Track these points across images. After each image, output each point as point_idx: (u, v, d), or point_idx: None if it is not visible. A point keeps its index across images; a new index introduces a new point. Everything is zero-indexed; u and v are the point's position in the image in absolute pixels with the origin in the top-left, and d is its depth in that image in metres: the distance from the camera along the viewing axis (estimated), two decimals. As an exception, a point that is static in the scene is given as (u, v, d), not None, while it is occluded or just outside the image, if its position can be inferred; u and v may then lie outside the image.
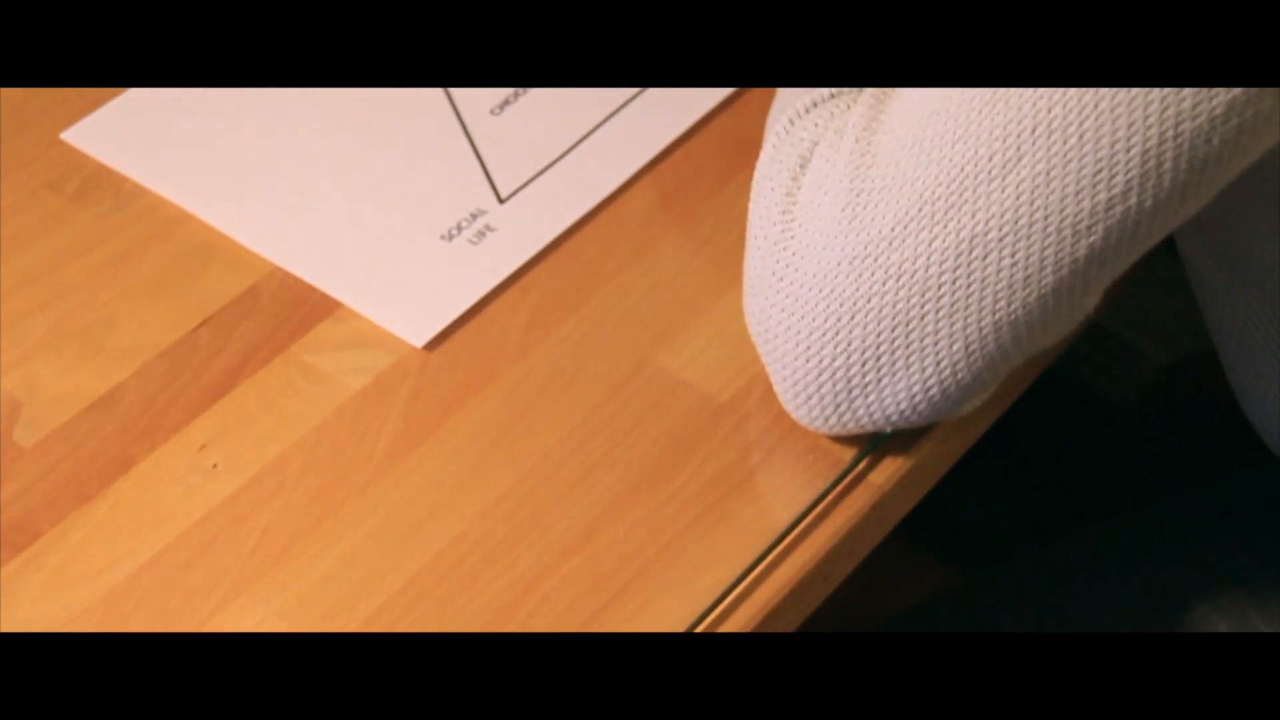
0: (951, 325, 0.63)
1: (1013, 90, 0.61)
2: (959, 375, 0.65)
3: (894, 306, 0.64)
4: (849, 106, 0.67)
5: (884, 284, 0.63)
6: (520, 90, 0.86)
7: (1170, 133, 0.59)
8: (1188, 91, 0.59)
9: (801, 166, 0.66)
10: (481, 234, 0.80)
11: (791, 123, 0.68)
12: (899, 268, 0.63)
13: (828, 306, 0.65)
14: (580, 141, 0.83)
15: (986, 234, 0.62)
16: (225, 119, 0.85)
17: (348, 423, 0.73)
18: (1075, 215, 0.61)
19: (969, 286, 0.63)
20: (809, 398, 0.67)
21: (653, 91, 0.85)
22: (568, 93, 0.86)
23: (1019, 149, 0.61)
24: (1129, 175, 0.60)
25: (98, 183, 0.83)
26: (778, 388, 0.68)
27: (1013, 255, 0.62)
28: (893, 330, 0.64)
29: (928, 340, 0.64)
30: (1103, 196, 0.61)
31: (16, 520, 0.70)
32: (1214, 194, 0.62)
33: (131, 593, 0.67)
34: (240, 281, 0.79)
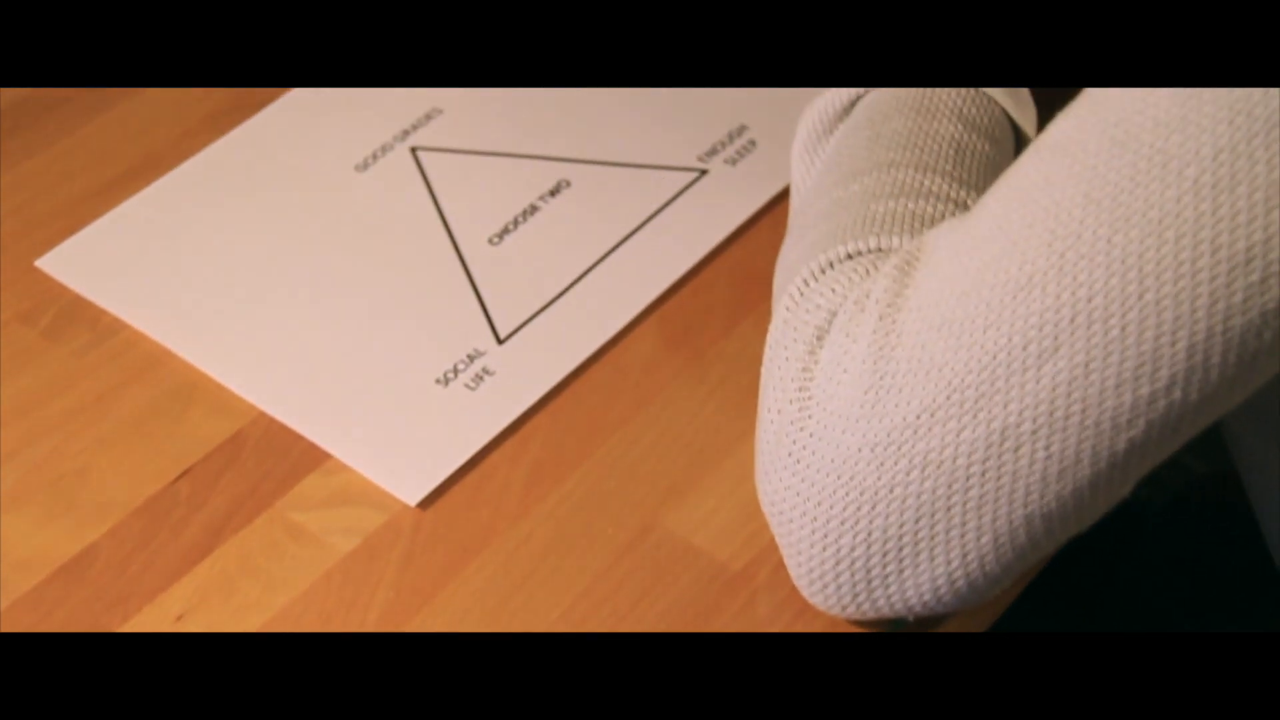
0: (980, 518, 0.59)
1: (1050, 275, 0.57)
2: (986, 567, 0.61)
3: (918, 497, 0.59)
4: (868, 272, 0.63)
5: (908, 474, 0.59)
6: (520, 217, 0.82)
7: (1219, 327, 0.55)
8: (1238, 285, 0.54)
9: (818, 338, 0.62)
10: (479, 378, 0.75)
11: (806, 284, 0.64)
12: (924, 457, 0.59)
13: (847, 494, 0.60)
14: (584, 275, 0.79)
15: (1019, 426, 0.58)
16: (209, 248, 0.81)
17: (335, 589, 0.69)
18: (1115, 409, 0.57)
19: (999, 479, 0.58)
20: (825, 584, 0.63)
21: (660, 221, 0.81)
22: (569, 221, 0.82)
23: (1056, 339, 0.57)
24: (1174, 370, 0.56)
25: (73, 315, 0.79)
26: (792, 571, 0.64)
27: (1047, 449, 0.58)
28: (916, 521, 0.60)
29: (954, 532, 0.60)
30: (1145, 391, 0.56)
31: (-20, 698, 0.65)
32: (1263, 383, 0.58)
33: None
34: (223, 428, 0.74)
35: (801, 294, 0.64)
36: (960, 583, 0.61)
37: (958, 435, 0.58)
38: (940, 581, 0.61)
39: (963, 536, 0.60)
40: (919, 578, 0.61)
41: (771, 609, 0.67)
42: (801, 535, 0.62)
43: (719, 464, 0.72)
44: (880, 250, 0.64)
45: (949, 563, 0.60)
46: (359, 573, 0.69)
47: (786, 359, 0.63)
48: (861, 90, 0.73)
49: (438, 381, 0.75)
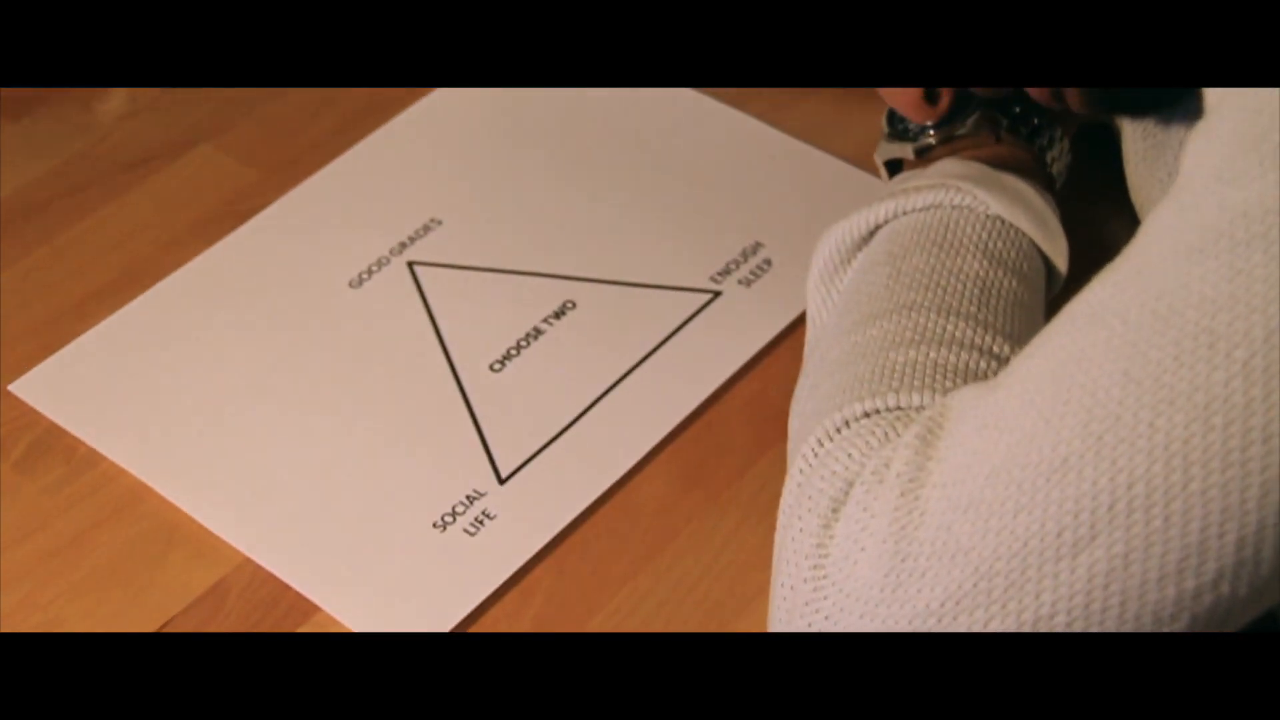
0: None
1: (1087, 458, 0.52)
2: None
3: (950, 690, 0.55)
4: (886, 435, 0.58)
5: (937, 664, 0.55)
6: (523, 341, 0.77)
7: (1271, 519, 0.51)
8: None
9: (834, 510, 0.58)
10: (479, 522, 0.71)
11: (821, 444, 0.60)
12: (954, 650, 0.54)
13: (873, 683, 0.56)
14: (590, 408, 0.75)
15: (1052, 618, 0.53)
16: (192, 373, 0.77)
17: (324, 760, 0.64)
18: (1157, 603, 0.52)
19: (1037, 673, 0.54)
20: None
21: (670, 347, 0.77)
22: (575, 346, 0.77)
23: (1093, 527, 0.52)
24: (1221, 563, 0.51)
25: (48, 446, 0.75)
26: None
27: (1083, 641, 0.53)
28: (948, 716, 0.55)
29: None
30: (1190, 585, 0.52)
31: None
32: None
33: None
34: (205, 575, 0.70)
35: (816, 456, 0.60)
36: None
37: (984, 625, 0.54)
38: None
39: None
40: None
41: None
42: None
43: (731, 623, 0.68)
44: (900, 409, 0.60)
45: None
46: (349, 741, 0.64)
47: (800, 530, 0.59)
48: (879, 218, 0.69)
49: (435, 526, 0.71)
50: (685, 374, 0.76)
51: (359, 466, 0.73)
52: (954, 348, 0.62)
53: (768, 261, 0.81)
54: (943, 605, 0.54)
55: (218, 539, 0.71)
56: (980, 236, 0.68)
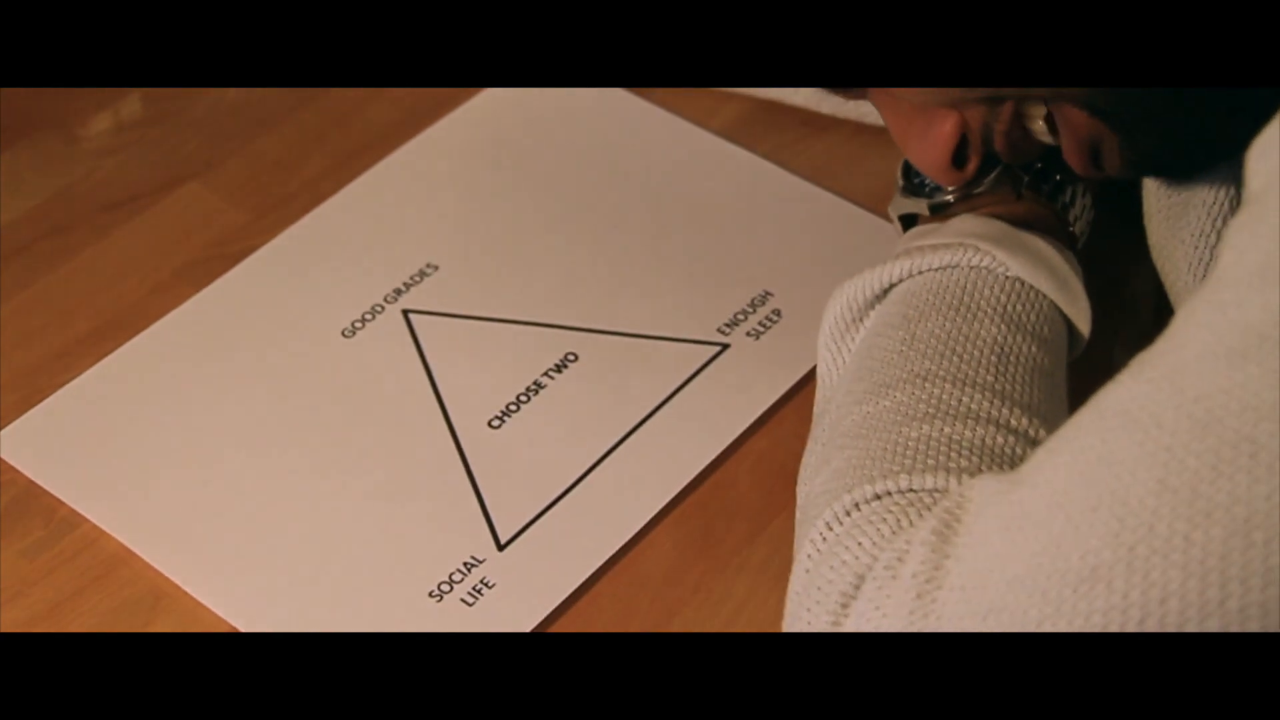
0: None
1: (1117, 570, 0.49)
2: None
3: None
4: (899, 523, 0.55)
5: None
6: (523, 395, 0.74)
7: None
8: None
9: (844, 605, 0.55)
10: (478, 591, 0.68)
11: (830, 528, 0.57)
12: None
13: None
14: (593, 468, 0.72)
15: None
16: (177, 429, 0.74)
17: None
18: None
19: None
20: None
21: (676, 404, 0.74)
22: (577, 402, 0.74)
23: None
24: None
25: (26, 506, 0.71)
26: None
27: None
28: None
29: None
30: None
31: None
32: None
33: None
34: (190, 647, 0.67)
35: (825, 541, 0.57)
36: None
37: None
38: None
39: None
40: None
41: None
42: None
43: (745, 700, 0.65)
44: (913, 491, 0.57)
45: None
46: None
47: (808, 625, 0.56)
48: (894, 277, 0.66)
49: (431, 595, 0.68)
50: (692, 432, 0.73)
51: (352, 531, 0.70)
52: (969, 422, 0.59)
53: (777, 312, 0.77)
54: None
55: (203, 607, 0.68)
56: (999, 299, 0.65)
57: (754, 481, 0.72)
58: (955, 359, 0.62)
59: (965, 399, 0.60)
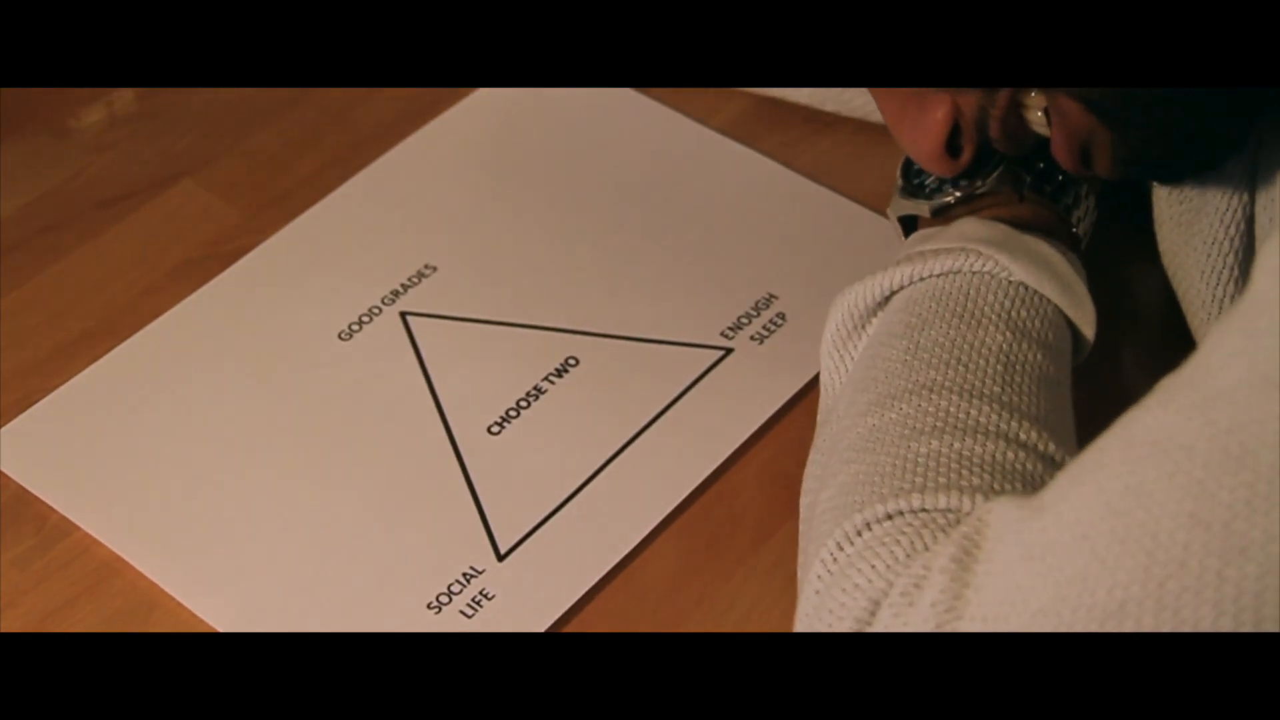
0: None
1: (1146, 605, 0.47)
2: None
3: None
4: (913, 545, 0.54)
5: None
6: (523, 401, 0.73)
7: None
8: None
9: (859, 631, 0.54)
10: (477, 603, 0.66)
11: (840, 548, 0.55)
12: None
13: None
14: (595, 475, 0.70)
15: None
16: (171, 434, 0.72)
17: None
18: None
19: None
20: None
21: (679, 410, 0.73)
22: (578, 407, 0.73)
23: None
24: None
25: (17, 514, 0.70)
26: None
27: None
28: None
29: None
30: None
31: None
32: None
33: None
34: (184, 659, 0.65)
35: (836, 562, 0.55)
36: None
37: None
38: None
39: None
40: None
41: None
42: None
43: (750, 715, 0.64)
44: (926, 511, 0.55)
45: None
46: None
47: None
48: (896, 283, 0.65)
49: (430, 607, 0.66)
50: (695, 439, 0.72)
51: (349, 541, 0.68)
52: (979, 437, 0.58)
53: (781, 316, 0.76)
54: None
55: (197, 619, 0.66)
56: (1003, 305, 0.63)
57: (759, 489, 0.71)
58: (961, 369, 0.61)
59: (973, 411, 0.59)
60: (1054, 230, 0.68)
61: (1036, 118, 0.63)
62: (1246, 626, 0.46)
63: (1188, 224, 0.67)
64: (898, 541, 0.54)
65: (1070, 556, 0.49)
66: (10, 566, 0.68)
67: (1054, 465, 0.58)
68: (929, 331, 0.62)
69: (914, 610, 0.52)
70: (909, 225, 0.71)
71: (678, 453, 0.71)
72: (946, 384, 0.60)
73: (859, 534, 0.55)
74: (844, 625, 0.54)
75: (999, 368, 0.61)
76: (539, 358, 0.75)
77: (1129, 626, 0.47)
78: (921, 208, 0.70)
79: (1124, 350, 0.73)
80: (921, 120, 0.64)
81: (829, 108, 0.85)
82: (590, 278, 0.78)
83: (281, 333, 0.76)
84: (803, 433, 0.71)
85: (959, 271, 0.64)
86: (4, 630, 0.66)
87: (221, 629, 0.66)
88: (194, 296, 0.78)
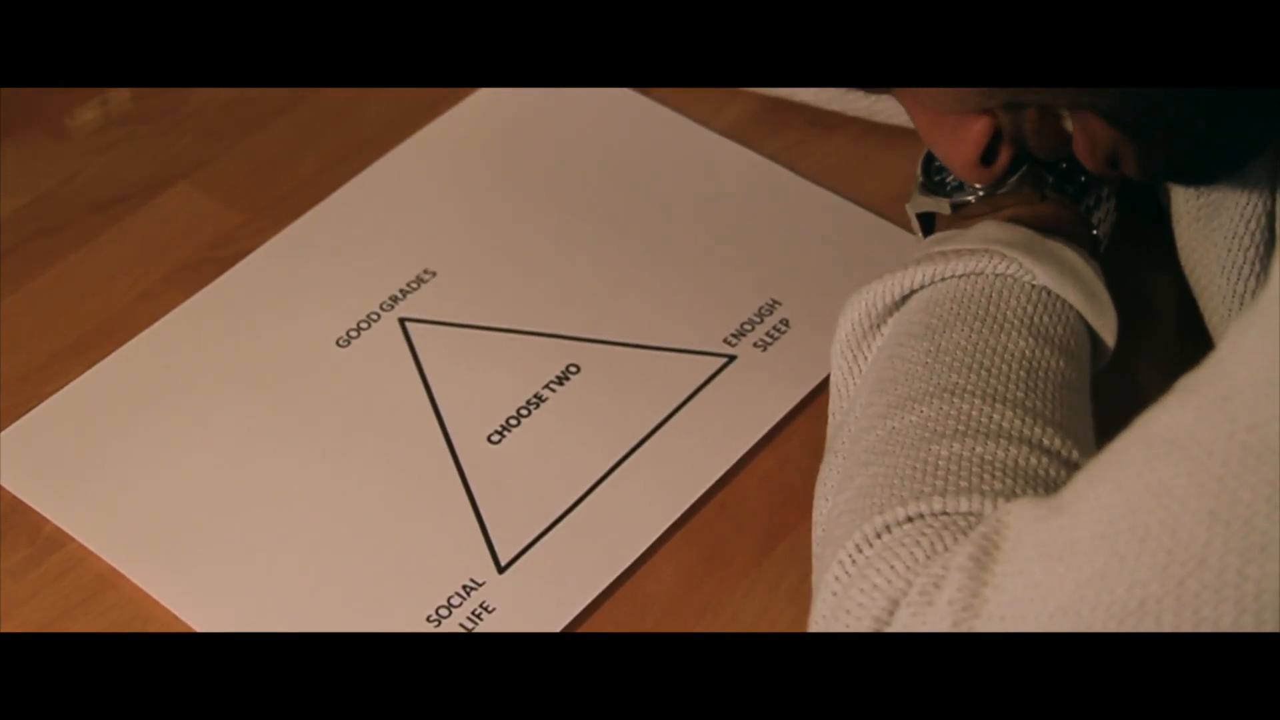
0: None
1: (1166, 604, 0.47)
2: None
3: None
4: (933, 546, 0.53)
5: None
6: (524, 409, 0.72)
7: None
8: None
9: (877, 631, 0.53)
10: (477, 616, 0.66)
11: (859, 550, 0.55)
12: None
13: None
14: (596, 485, 0.69)
15: None
16: (167, 442, 0.71)
17: None
18: None
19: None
20: None
21: (682, 418, 0.72)
22: (579, 415, 0.72)
23: None
24: None
25: (11, 524, 0.69)
26: None
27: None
28: None
29: None
30: None
31: None
32: None
33: None
34: (181, 673, 0.64)
35: (854, 563, 0.55)
36: None
37: None
38: None
39: None
40: None
41: None
42: None
43: (754, 731, 0.63)
44: (946, 514, 0.55)
45: None
46: None
47: None
48: (915, 283, 0.64)
49: (430, 619, 0.65)
50: (698, 448, 0.71)
51: (347, 553, 0.68)
52: (1001, 441, 0.57)
53: (785, 322, 0.75)
54: None
55: (195, 632, 0.66)
56: (1026, 310, 0.62)
57: (763, 499, 0.70)
58: (983, 373, 0.60)
59: (995, 416, 0.58)
60: (1074, 232, 0.67)
61: (1069, 123, 0.62)
62: (1268, 625, 0.45)
63: (1207, 219, 0.66)
64: (918, 543, 0.54)
65: (1089, 555, 0.48)
66: (3, 579, 0.67)
67: (1076, 472, 0.57)
68: (950, 334, 0.61)
69: (932, 609, 0.51)
70: (927, 222, 0.70)
71: (680, 462, 0.70)
72: (969, 388, 0.59)
73: (878, 536, 0.54)
74: (862, 625, 0.53)
75: (1022, 373, 0.60)
76: (539, 365, 0.74)
77: (1148, 625, 0.47)
78: (941, 205, 0.69)
79: (1139, 350, 0.72)
80: (960, 130, 0.63)
81: (834, 107, 0.84)
82: (591, 283, 0.77)
83: (279, 339, 0.75)
84: (808, 441, 0.70)
85: (981, 273, 0.63)
86: (-2, 643, 0.66)
87: (218, 642, 0.65)
88: (190, 301, 0.77)
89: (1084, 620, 0.48)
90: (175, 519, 0.69)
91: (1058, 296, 0.63)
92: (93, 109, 0.86)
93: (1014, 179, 0.67)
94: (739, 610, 0.66)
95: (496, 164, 0.83)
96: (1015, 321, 0.62)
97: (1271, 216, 0.64)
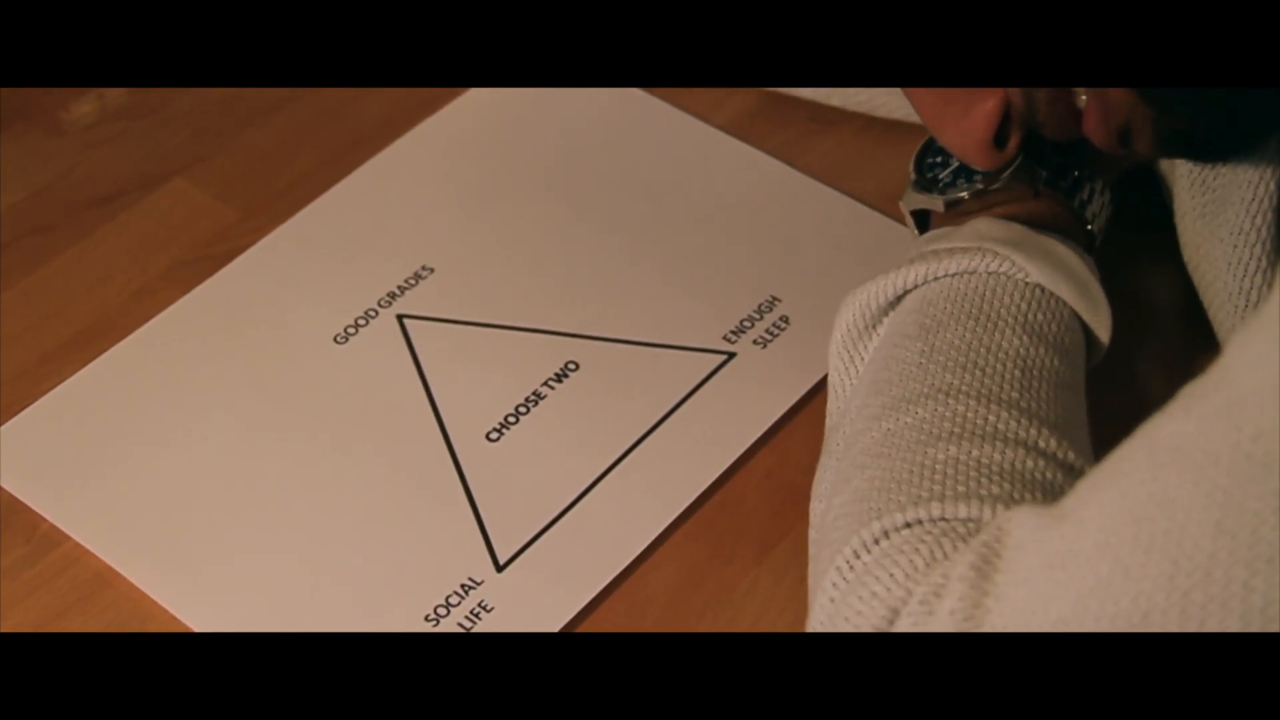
0: None
1: (1171, 615, 0.46)
2: None
3: None
4: (933, 555, 0.53)
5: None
6: (522, 406, 0.72)
7: None
8: None
9: None
10: (475, 615, 0.65)
11: (857, 556, 0.54)
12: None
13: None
14: (595, 484, 0.69)
15: None
16: (164, 440, 0.71)
17: None
18: None
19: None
20: None
21: (681, 416, 0.71)
22: (578, 413, 0.72)
23: None
24: None
25: (7, 522, 0.69)
26: None
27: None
28: None
29: None
30: None
31: None
32: None
33: None
34: (178, 673, 0.64)
35: (852, 569, 0.54)
36: None
37: None
38: None
39: None
40: None
41: None
42: None
43: (754, 731, 0.62)
44: (945, 520, 0.54)
45: None
46: None
47: None
48: (909, 283, 0.63)
49: (428, 619, 0.65)
50: (697, 446, 0.70)
51: (345, 551, 0.67)
52: (997, 444, 0.57)
53: (785, 319, 0.75)
54: None
55: (192, 631, 0.65)
56: (1020, 308, 0.62)
57: (763, 498, 0.69)
58: (978, 373, 0.59)
59: (991, 417, 0.58)
60: (1068, 228, 0.67)
61: (1082, 101, 0.62)
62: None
63: (1212, 215, 0.66)
64: (916, 550, 0.53)
65: (1093, 565, 0.48)
66: (0, 577, 0.67)
67: (1073, 474, 0.57)
68: (944, 333, 0.61)
69: (933, 619, 0.51)
70: (922, 219, 0.70)
71: (680, 460, 0.70)
72: (963, 388, 0.59)
73: (876, 542, 0.54)
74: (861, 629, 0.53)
75: (1016, 373, 0.60)
76: (538, 362, 0.73)
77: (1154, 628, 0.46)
78: (935, 202, 0.68)
79: (1138, 349, 0.72)
80: (970, 112, 0.62)
81: (834, 102, 0.83)
82: (590, 280, 0.76)
83: (276, 336, 0.75)
84: (808, 439, 0.70)
85: (974, 272, 0.63)
86: (-7, 643, 0.65)
87: (215, 642, 0.65)
88: (187, 298, 0.76)
89: (1087, 631, 0.48)
90: (172, 517, 0.68)
91: (1051, 293, 0.63)
92: (88, 103, 0.86)
93: (1007, 174, 0.66)
94: (740, 608, 0.66)
95: (494, 159, 0.82)
96: (1009, 320, 0.62)
97: (1278, 211, 0.64)
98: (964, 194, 0.67)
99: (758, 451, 0.71)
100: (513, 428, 0.71)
